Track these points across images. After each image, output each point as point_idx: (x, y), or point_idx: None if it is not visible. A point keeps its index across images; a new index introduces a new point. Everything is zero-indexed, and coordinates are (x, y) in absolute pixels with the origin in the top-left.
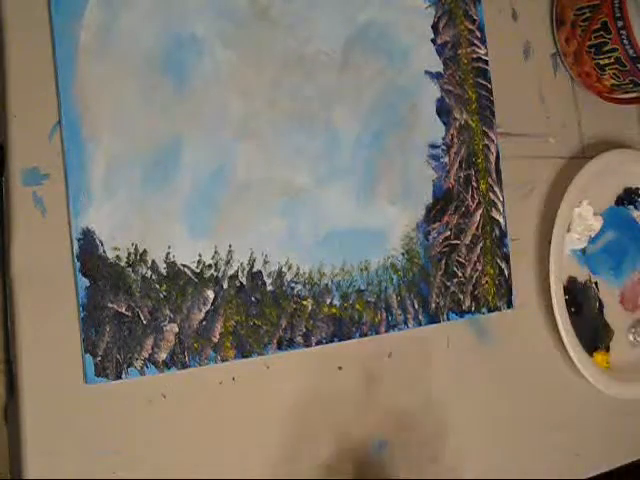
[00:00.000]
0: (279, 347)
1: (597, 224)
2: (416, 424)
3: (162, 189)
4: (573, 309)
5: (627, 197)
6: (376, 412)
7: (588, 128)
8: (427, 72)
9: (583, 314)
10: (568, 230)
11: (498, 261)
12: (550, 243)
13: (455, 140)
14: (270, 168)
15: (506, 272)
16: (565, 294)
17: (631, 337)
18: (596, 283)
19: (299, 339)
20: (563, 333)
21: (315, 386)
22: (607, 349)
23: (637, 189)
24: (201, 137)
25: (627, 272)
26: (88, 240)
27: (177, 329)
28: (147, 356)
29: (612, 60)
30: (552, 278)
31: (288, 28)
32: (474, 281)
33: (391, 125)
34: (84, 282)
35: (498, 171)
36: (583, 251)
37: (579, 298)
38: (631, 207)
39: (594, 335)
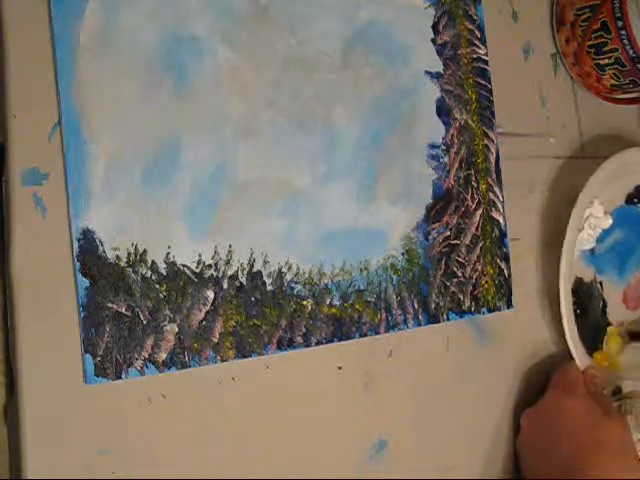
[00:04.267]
0: (279, 347)
1: (607, 223)
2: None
3: (162, 189)
4: (578, 311)
5: (638, 195)
6: (376, 412)
7: (588, 128)
8: (427, 72)
9: (587, 315)
10: (580, 231)
11: (498, 261)
12: (549, 244)
13: (455, 140)
14: (270, 168)
15: (506, 272)
16: (572, 296)
17: None
18: (601, 283)
19: (299, 339)
20: (568, 334)
21: (315, 386)
22: None
23: None
24: (201, 137)
25: (631, 270)
26: (88, 240)
27: (177, 329)
28: (147, 356)
29: (612, 60)
30: (561, 280)
31: (288, 28)
32: (474, 281)
33: (391, 125)
34: (84, 282)
35: (498, 171)
36: (591, 251)
37: (585, 299)
38: None
39: (596, 334)
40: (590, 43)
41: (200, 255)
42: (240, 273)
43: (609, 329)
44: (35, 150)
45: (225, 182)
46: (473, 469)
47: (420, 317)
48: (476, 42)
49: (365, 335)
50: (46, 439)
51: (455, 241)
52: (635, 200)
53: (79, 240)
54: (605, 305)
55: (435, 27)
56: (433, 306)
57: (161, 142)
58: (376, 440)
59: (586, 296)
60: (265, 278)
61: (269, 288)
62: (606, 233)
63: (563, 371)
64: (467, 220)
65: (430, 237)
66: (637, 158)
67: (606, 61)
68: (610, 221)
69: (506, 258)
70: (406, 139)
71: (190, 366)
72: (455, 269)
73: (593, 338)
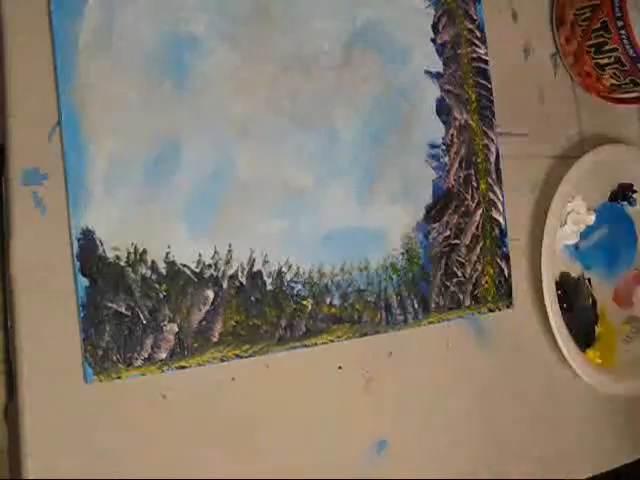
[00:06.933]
0: (279, 347)
1: (590, 220)
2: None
3: (162, 189)
4: (565, 305)
5: (621, 193)
6: (376, 412)
7: (588, 128)
8: (427, 72)
9: (576, 310)
10: (562, 225)
11: (498, 261)
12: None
13: (455, 140)
14: (270, 168)
15: (506, 272)
16: (558, 289)
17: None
18: (589, 279)
19: (299, 339)
20: (554, 327)
21: (315, 386)
22: None
23: (631, 185)
24: (201, 137)
25: (621, 269)
26: (88, 240)
27: (177, 329)
28: (147, 356)
29: (612, 60)
30: (544, 272)
31: (288, 27)
32: (474, 281)
33: (391, 125)
34: (84, 282)
35: (498, 171)
36: (576, 246)
37: (572, 294)
38: (625, 203)
39: (587, 332)
40: (590, 43)
41: (200, 255)
42: (240, 273)
43: (602, 326)
44: (35, 150)
45: (225, 182)
46: (474, 469)
47: (420, 317)
48: (476, 42)
49: (365, 335)
50: (46, 439)
51: (455, 241)
52: (618, 198)
53: (79, 240)
54: (595, 302)
55: (435, 27)
56: (433, 306)
57: (161, 142)
58: (376, 440)
59: (573, 291)
60: (265, 278)
61: (269, 288)
62: (591, 229)
63: None
64: (467, 220)
65: (430, 237)
66: (617, 154)
67: (606, 61)
68: (593, 218)
69: (506, 258)
70: (406, 139)
71: (190, 366)
72: (455, 269)
73: (585, 335)
